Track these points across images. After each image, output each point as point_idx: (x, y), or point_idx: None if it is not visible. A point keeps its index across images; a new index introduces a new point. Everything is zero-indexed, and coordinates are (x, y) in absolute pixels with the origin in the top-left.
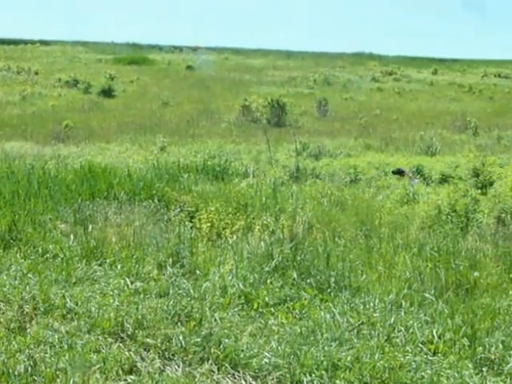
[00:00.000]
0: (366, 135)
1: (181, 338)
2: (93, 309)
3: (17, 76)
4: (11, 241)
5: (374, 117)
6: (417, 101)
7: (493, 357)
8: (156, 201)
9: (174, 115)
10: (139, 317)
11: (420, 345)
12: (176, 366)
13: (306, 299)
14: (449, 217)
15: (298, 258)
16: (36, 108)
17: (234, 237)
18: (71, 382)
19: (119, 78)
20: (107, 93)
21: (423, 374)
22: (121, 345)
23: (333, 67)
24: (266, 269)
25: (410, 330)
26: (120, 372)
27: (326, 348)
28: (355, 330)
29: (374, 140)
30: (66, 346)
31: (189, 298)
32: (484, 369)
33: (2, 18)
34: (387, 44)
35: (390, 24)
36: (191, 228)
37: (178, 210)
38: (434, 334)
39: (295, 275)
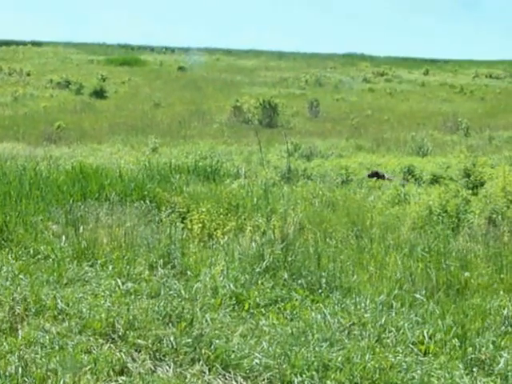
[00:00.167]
0: (357, 136)
1: (172, 338)
2: (84, 310)
3: (8, 77)
4: (2, 242)
5: (366, 117)
6: (408, 101)
7: (483, 357)
8: (147, 202)
9: (166, 116)
10: (130, 317)
11: (411, 345)
12: (167, 367)
13: (296, 300)
14: (440, 217)
15: (289, 259)
16: (28, 109)
17: (226, 238)
18: (62, 382)
19: (111, 79)
20: (99, 94)
21: (414, 374)
22: (112, 345)
23: (324, 68)
24: (257, 269)
25: (401, 331)
26: (111, 373)
27: (316, 348)
28: (346, 331)
29: (366, 141)
30: (57, 347)
31: (180, 299)
32: (474, 369)
33: None
34: (378, 45)
35: (381, 25)
36: (182, 229)
37: (170, 210)
38: (425, 334)
39: (286, 276)
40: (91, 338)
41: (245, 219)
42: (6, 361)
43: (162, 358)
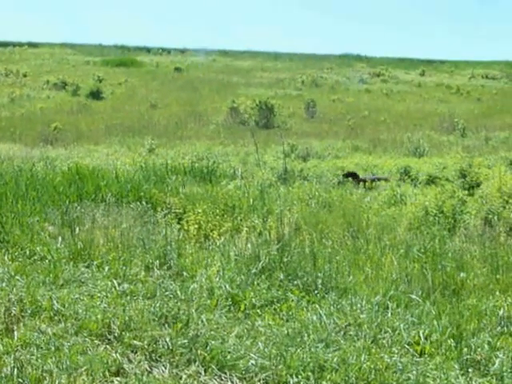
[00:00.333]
0: (353, 137)
1: (168, 339)
2: (80, 311)
3: (5, 78)
4: None
5: (362, 118)
6: (405, 102)
7: (479, 358)
8: (144, 203)
9: (163, 117)
10: (126, 318)
11: (406, 346)
12: (163, 368)
13: (292, 301)
14: (436, 218)
15: (285, 260)
16: (24, 110)
17: (222, 238)
18: (57, 383)
19: (107, 80)
20: (95, 95)
21: (409, 375)
22: (108, 346)
23: (320, 69)
24: (253, 270)
25: (397, 331)
26: (107, 374)
27: (312, 349)
28: (342, 332)
29: (362, 141)
30: (52, 348)
31: (176, 300)
32: (470, 369)
33: None
34: (375, 45)
35: (377, 25)
36: (179, 230)
37: (166, 211)
38: (421, 335)
39: (282, 277)
40: (87, 339)
41: (241, 220)
42: (2, 362)
43: (158, 358)
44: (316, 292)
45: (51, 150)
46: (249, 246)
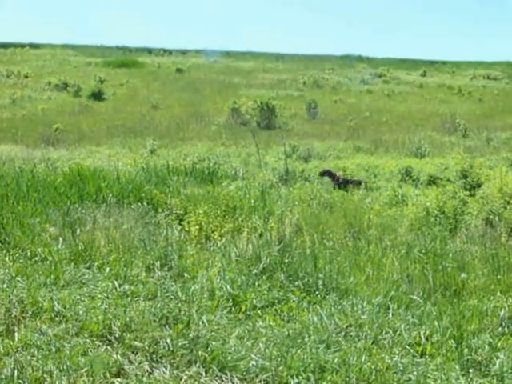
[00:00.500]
0: (355, 137)
1: (168, 340)
2: (81, 312)
3: (6, 79)
4: (0, 244)
5: (364, 119)
6: (406, 103)
7: (479, 358)
8: (145, 204)
9: (164, 118)
10: (127, 319)
11: (407, 346)
12: (163, 369)
13: (293, 301)
14: (437, 218)
15: (286, 261)
16: (26, 111)
17: (223, 239)
18: None
19: (109, 81)
20: (97, 96)
21: (410, 375)
22: (108, 347)
23: (322, 69)
24: (254, 271)
25: (398, 332)
26: (107, 375)
27: (313, 350)
28: (343, 332)
29: (364, 142)
30: (53, 349)
31: (177, 301)
32: (471, 370)
33: None
34: (376, 46)
35: (378, 26)
36: (180, 231)
37: (167, 212)
38: (422, 335)
39: (283, 277)
40: (88, 340)
41: (242, 221)
42: (2, 363)
43: (159, 359)
44: (317, 293)
45: (52, 151)
46: (250, 246)
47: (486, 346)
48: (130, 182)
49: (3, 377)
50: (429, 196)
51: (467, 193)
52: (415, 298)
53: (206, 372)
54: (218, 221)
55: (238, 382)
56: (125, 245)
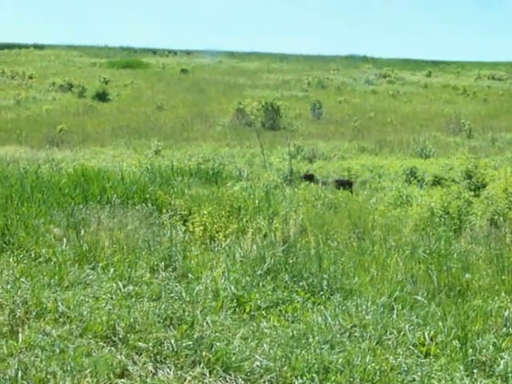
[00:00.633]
0: (360, 138)
1: (172, 341)
2: (85, 312)
3: (11, 80)
4: (4, 245)
5: (369, 119)
6: (411, 103)
7: (484, 358)
8: (149, 204)
9: (169, 119)
10: (131, 320)
11: (411, 347)
12: (168, 370)
13: (298, 302)
14: (442, 219)
15: (291, 261)
16: (30, 112)
17: (227, 240)
18: None
19: (113, 82)
20: (101, 97)
21: (414, 376)
22: (112, 348)
23: (327, 70)
24: (259, 272)
25: (402, 333)
26: (111, 376)
27: (317, 351)
28: (347, 333)
29: (369, 142)
30: (57, 350)
31: (181, 302)
32: (475, 371)
33: None
34: (381, 47)
35: (383, 27)
36: (184, 231)
37: (171, 213)
38: (426, 336)
39: (287, 278)
40: (92, 341)
41: (246, 222)
42: (6, 364)
43: (163, 360)
44: (321, 293)
45: (57, 151)
46: (254, 247)
47: (491, 347)
48: (135, 183)
49: (7, 377)
50: (433, 196)
51: (472, 193)
52: (419, 298)
53: (210, 373)
54: (223, 221)
55: (242, 382)
56: (129, 245)
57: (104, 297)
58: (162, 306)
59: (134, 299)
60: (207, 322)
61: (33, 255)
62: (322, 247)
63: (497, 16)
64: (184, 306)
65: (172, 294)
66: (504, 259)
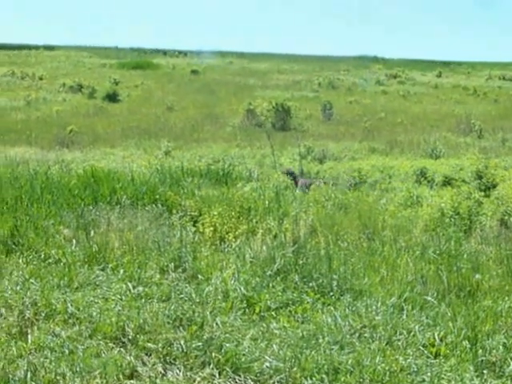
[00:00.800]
0: (370, 138)
1: (182, 342)
2: (94, 314)
3: (21, 81)
4: (13, 246)
5: (379, 120)
6: (421, 104)
7: (494, 359)
8: (159, 205)
9: (179, 120)
10: (141, 321)
11: (421, 348)
12: (177, 371)
13: (307, 303)
14: (452, 219)
15: (301, 262)
16: (40, 113)
17: (237, 241)
18: None
19: (124, 83)
20: (112, 97)
21: (424, 376)
22: (122, 349)
23: (337, 70)
24: (269, 273)
25: (412, 333)
26: (120, 377)
27: (327, 351)
28: (357, 334)
29: (379, 143)
30: (66, 351)
31: (190, 303)
32: (485, 371)
33: (6, 23)
34: (391, 47)
35: (394, 27)
36: (194, 232)
37: (181, 214)
38: (436, 336)
39: (297, 279)
40: (101, 342)
41: (256, 222)
42: (15, 365)
43: (172, 361)
44: (331, 294)
45: (67, 152)
46: (264, 248)
47: (501, 347)
48: (145, 184)
49: (16, 379)
50: (444, 197)
51: (482, 193)
52: (429, 298)
53: (219, 374)
54: (233, 222)
55: (252, 383)
56: (139, 246)
57: (113, 298)
58: (172, 307)
59: (143, 300)
60: (217, 323)
61: (42, 256)
62: (332, 248)
63: (508, 17)
64: (194, 306)
65: (182, 295)
66: None
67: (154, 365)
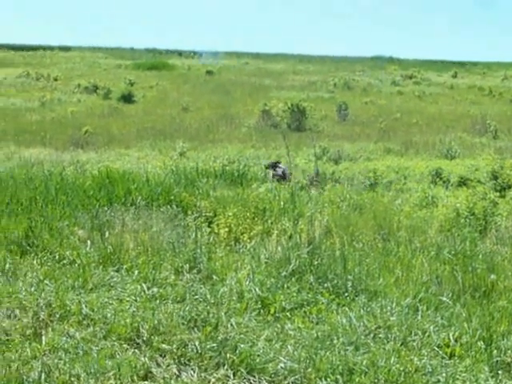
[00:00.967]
0: (386, 139)
1: (197, 343)
2: (109, 315)
3: (36, 82)
4: (28, 247)
5: (394, 120)
6: (437, 104)
7: (509, 360)
8: (174, 206)
9: (194, 120)
10: (155, 322)
11: (436, 348)
12: (191, 372)
13: (322, 303)
14: (467, 220)
15: (316, 263)
16: (55, 114)
17: (252, 242)
18: None
19: (139, 84)
20: (127, 98)
21: (439, 377)
22: (136, 350)
23: (353, 71)
24: (283, 273)
25: (427, 334)
26: (135, 378)
27: (341, 352)
28: (371, 334)
29: (394, 144)
30: (81, 353)
31: (205, 304)
32: (500, 372)
33: (21, 24)
34: (407, 47)
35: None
36: (209, 233)
37: (196, 215)
38: (451, 337)
39: (312, 279)
40: (115, 343)
41: (271, 223)
42: (30, 366)
43: (187, 362)
44: (346, 295)
45: (82, 153)
46: (279, 249)
47: None
48: (160, 185)
49: (31, 380)
50: (459, 197)
51: (497, 194)
52: (444, 299)
53: (234, 374)
54: (248, 223)
55: None
56: (154, 247)
57: (128, 299)
58: (187, 308)
59: (158, 301)
60: (231, 324)
61: (57, 257)
62: (347, 248)
63: None
64: (208, 307)
65: (196, 296)
66: None
67: (168, 366)
